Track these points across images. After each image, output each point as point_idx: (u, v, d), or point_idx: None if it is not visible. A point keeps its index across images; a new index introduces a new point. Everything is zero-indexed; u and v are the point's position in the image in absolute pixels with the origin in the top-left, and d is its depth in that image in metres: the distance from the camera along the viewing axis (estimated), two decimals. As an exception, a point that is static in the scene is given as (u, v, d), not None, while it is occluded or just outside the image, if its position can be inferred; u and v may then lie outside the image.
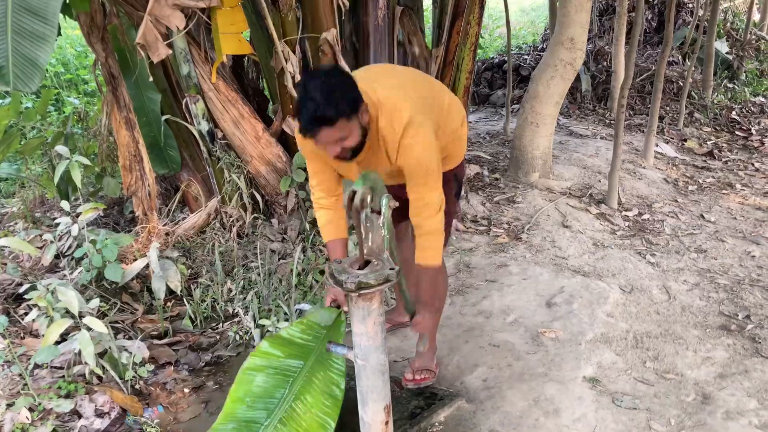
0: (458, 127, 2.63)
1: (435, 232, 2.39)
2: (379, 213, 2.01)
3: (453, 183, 2.75)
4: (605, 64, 8.01)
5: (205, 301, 3.61)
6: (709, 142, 6.89)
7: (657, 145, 6.45)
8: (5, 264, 3.68)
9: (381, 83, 2.30)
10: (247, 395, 2.32)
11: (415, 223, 2.39)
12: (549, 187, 5.26)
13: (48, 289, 2.86)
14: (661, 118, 7.25)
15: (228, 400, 2.32)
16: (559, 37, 4.99)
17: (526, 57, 8.71)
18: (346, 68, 4.05)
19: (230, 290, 3.67)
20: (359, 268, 2.02)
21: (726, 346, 3.26)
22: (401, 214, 2.44)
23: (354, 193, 1.93)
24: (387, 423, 2.21)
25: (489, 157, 5.90)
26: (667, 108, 7.60)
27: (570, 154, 6.04)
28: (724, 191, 5.61)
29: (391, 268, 1.99)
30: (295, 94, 3.94)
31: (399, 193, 2.30)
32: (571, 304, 3.54)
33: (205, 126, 4.07)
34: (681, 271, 4.11)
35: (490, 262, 4.09)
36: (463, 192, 4.95)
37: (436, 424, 2.65)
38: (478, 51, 9.61)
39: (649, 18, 9.62)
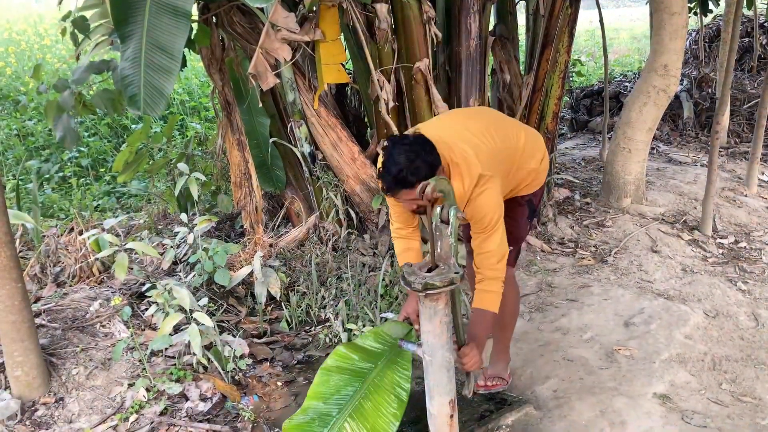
0: (538, 164, 2.80)
1: (495, 280, 2.55)
2: (447, 223, 2.25)
3: (526, 208, 2.92)
4: (710, 90, 7.82)
5: (300, 306, 3.95)
6: (822, 171, 6.57)
7: (763, 173, 6.26)
8: (132, 267, 4.19)
9: (454, 139, 2.51)
10: (323, 392, 2.53)
11: (477, 271, 2.59)
12: (641, 212, 5.26)
13: (165, 288, 3.28)
14: (771, 146, 7.00)
15: (308, 396, 2.53)
16: (653, 64, 5.03)
17: (627, 84, 8.65)
18: (437, 96, 4.33)
19: (323, 298, 3.99)
20: (428, 271, 2.26)
21: (812, 374, 3.21)
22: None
23: (427, 184, 2.17)
24: (452, 416, 2.41)
25: (580, 182, 5.96)
26: (780, 135, 7.31)
27: (667, 180, 5.99)
28: (833, 221, 5.38)
29: (456, 272, 2.21)
30: (388, 120, 4.27)
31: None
32: (649, 324, 3.59)
33: (307, 148, 4.47)
34: (774, 300, 4.03)
35: (573, 283, 4.19)
36: (551, 215, 5.07)
37: (503, 426, 2.81)
38: (580, 78, 9.65)
39: (764, 43, 9.28)
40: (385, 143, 2.40)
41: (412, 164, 2.26)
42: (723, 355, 3.35)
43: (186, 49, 4.14)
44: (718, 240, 4.91)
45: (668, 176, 6.14)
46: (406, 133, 2.55)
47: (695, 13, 8.24)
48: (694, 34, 9.73)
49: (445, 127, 2.64)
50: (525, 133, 2.80)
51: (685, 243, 4.81)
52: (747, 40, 9.28)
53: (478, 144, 2.54)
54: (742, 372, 3.21)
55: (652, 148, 6.87)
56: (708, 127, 7.61)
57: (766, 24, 9.61)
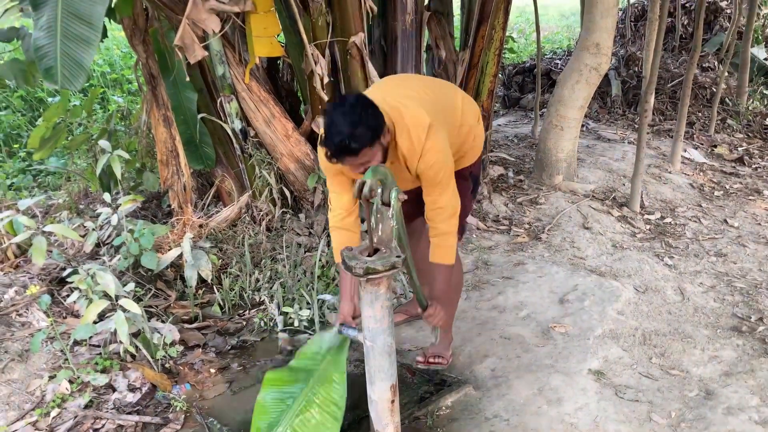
0: (474, 124, 2.75)
1: (448, 234, 2.54)
2: (388, 205, 2.17)
3: (469, 181, 2.88)
4: (636, 69, 8.02)
5: (233, 289, 3.81)
6: (740, 149, 6.86)
7: (685, 151, 6.47)
8: (51, 251, 3.94)
9: (396, 97, 2.44)
10: (257, 423, 2.40)
11: (430, 225, 2.55)
12: (572, 189, 5.34)
13: (88, 273, 3.09)
14: (692, 124, 7.25)
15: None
16: (585, 42, 5.07)
17: (557, 61, 8.77)
18: (373, 71, 4.23)
19: (257, 280, 3.87)
20: (368, 256, 2.19)
21: (735, 346, 3.33)
22: (418, 212, 2.61)
23: (363, 183, 2.08)
24: (393, 402, 2.37)
25: (514, 159, 6.01)
26: (699, 114, 7.58)
27: (596, 157, 6.11)
28: (750, 197, 5.61)
29: (398, 256, 2.15)
30: (323, 95, 4.14)
31: (418, 196, 2.52)
32: (583, 301, 3.65)
33: (238, 124, 4.29)
34: (698, 274, 4.17)
35: (508, 260, 4.22)
36: (486, 192, 5.08)
37: (443, 408, 2.80)
38: (512, 55, 9.70)
39: (686, 23, 9.56)
40: (327, 107, 2.28)
41: (354, 130, 2.16)
42: (652, 329, 3.45)
43: (107, 19, 3.89)
44: (646, 216, 5.05)
45: (598, 153, 6.26)
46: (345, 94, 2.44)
47: (622, -8, 8.40)
48: (620, 13, 9.93)
49: (385, 90, 2.58)
50: (461, 93, 2.78)
51: (615, 219, 4.92)
52: (670, 20, 9.53)
53: (422, 97, 2.50)
54: (670, 346, 3.31)
55: (582, 126, 6.99)
56: (634, 105, 7.80)
57: (687, 4, 9.90)
